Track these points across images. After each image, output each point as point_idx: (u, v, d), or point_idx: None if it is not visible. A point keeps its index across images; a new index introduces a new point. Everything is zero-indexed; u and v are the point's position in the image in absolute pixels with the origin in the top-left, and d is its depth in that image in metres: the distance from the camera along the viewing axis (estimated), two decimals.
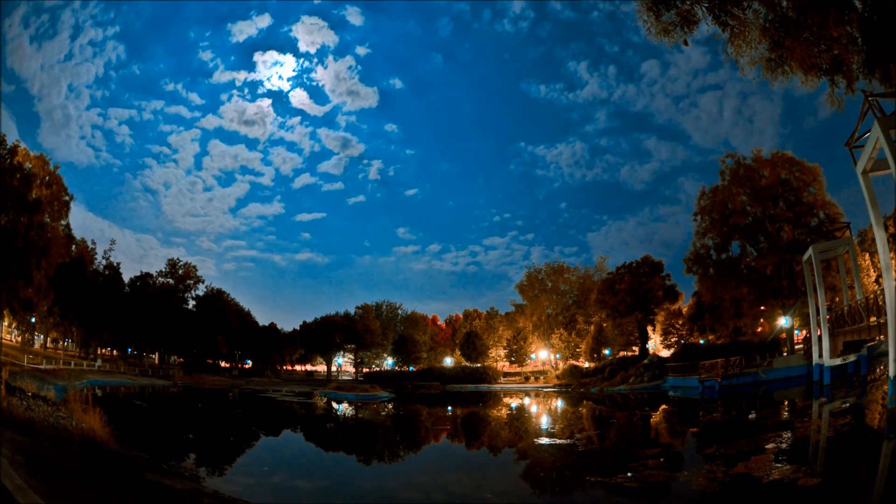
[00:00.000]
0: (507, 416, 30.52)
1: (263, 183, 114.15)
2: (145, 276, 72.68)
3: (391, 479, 12.98)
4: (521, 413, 32.09)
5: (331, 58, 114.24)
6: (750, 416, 20.31)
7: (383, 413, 31.95)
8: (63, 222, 48.63)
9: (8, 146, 39.80)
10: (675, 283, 54.76)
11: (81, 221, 79.12)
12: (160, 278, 73.75)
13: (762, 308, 41.08)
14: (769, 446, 12.72)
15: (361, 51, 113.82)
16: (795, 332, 41.25)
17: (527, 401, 40.62)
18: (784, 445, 12.82)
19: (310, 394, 47.33)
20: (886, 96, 13.40)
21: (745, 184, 39.85)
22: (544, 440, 17.68)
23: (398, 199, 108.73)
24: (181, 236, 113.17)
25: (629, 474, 10.77)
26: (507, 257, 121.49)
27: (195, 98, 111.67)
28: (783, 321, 37.27)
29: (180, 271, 75.03)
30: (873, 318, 19.81)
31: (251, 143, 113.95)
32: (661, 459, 12.40)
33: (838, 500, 8.66)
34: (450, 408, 35.99)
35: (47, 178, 44.21)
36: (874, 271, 44.01)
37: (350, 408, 34.55)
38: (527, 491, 11.34)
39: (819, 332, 27.93)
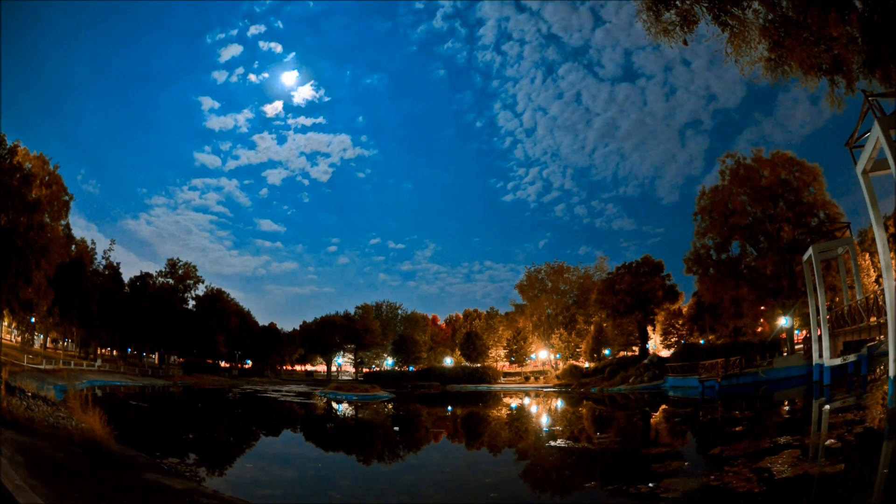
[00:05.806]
0: (509, 416, 30.51)
1: (284, 253, 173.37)
2: (145, 276, 72.45)
3: (393, 482, 12.95)
4: (523, 413, 32.08)
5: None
6: (825, 407, 19.12)
7: (383, 413, 31.95)
8: (63, 222, 48.57)
9: (8, 146, 39.80)
10: (675, 283, 54.87)
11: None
12: (160, 278, 73.45)
13: (762, 308, 41.00)
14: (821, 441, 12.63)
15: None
16: (795, 332, 41.23)
17: (527, 401, 40.62)
18: (794, 443, 12.73)
19: (310, 394, 47.34)
20: (886, 96, 13.40)
21: (745, 184, 39.71)
22: (555, 442, 16.97)
23: (371, 263, 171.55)
24: (221, 277, 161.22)
25: (650, 484, 10.11)
26: (468, 288, 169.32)
27: (233, 218, 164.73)
28: (783, 321, 37.26)
29: (180, 271, 74.83)
30: (873, 318, 19.80)
31: (275, 237, 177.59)
32: (686, 463, 12.20)
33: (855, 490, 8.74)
34: (450, 408, 35.99)
35: (47, 178, 44.13)
36: (874, 271, 44.02)
37: (350, 408, 34.55)
38: (553, 499, 10.86)
39: (819, 332, 27.90)
